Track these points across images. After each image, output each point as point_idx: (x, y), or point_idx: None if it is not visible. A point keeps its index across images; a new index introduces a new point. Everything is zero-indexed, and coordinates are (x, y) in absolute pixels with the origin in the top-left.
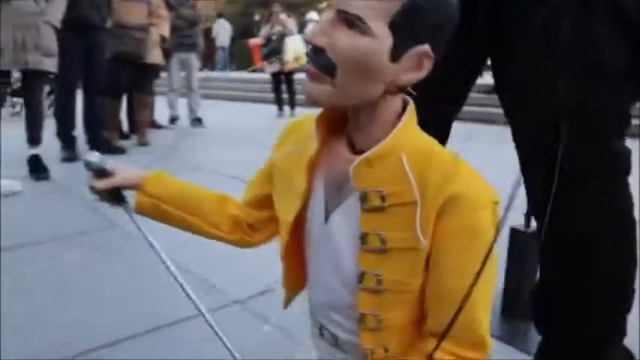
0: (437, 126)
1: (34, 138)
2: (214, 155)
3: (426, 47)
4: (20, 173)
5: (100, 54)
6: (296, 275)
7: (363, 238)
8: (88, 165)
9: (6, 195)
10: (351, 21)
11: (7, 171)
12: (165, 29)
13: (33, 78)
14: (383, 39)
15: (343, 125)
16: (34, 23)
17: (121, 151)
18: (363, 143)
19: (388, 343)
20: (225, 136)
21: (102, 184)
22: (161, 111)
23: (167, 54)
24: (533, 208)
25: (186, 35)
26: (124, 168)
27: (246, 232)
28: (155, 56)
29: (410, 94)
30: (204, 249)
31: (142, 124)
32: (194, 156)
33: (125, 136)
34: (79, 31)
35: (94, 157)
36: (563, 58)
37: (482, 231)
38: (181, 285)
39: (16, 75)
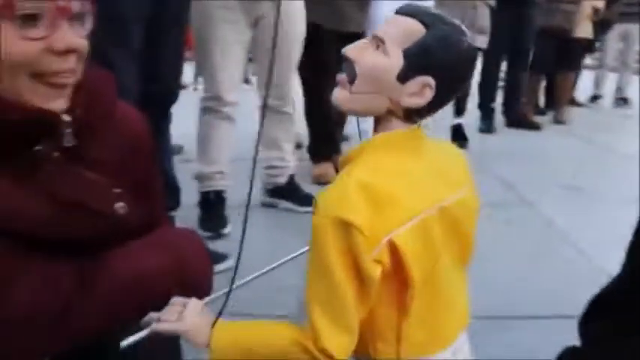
0: None
1: (460, 108)
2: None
3: (429, 79)
4: (445, 139)
5: (528, 28)
6: None
7: None
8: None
9: None
10: (377, 43)
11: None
12: (599, 1)
13: None
14: (395, 61)
15: None
16: (473, 3)
17: (535, 126)
18: None
19: None
20: None
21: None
22: (584, 87)
23: (605, 25)
24: None
25: (631, 3)
26: None
27: None
28: (584, 30)
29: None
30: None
31: (561, 100)
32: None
33: (541, 112)
34: (511, 6)
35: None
36: None
37: (316, 235)
38: None
39: None
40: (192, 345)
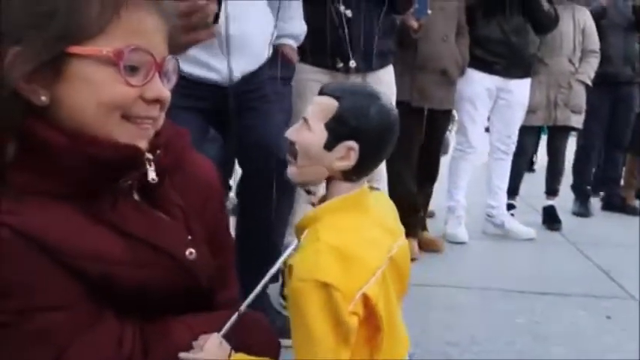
0: None
1: (553, 189)
2: None
3: (352, 142)
4: (535, 220)
5: (627, 108)
6: None
7: None
8: None
9: (521, 239)
10: (304, 123)
11: (524, 217)
12: None
13: (558, 133)
14: (319, 134)
15: None
16: (568, 82)
17: (634, 211)
18: None
19: None
20: None
21: None
22: None
23: None
24: None
25: None
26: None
27: None
28: None
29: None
30: None
31: None
32: None
33: None
34: (609, 85)
35: None
36: None
37: (296, 298)
38: None
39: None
40: None
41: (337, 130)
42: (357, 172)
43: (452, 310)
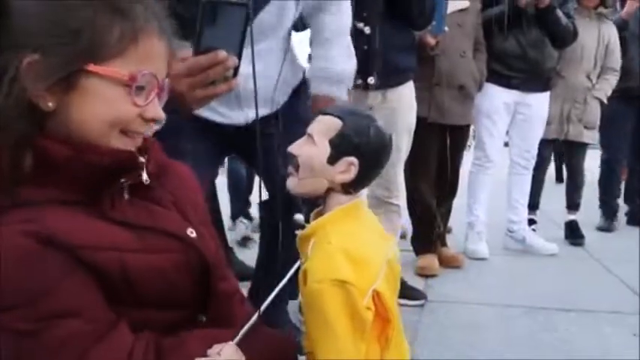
0: None
1: (574, 204)
2: None
3: (352, 158)
4: (558, 236)
5: None
6: None
7: None
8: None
9: (543, 255)
10: (309, 138)
11: (546, 233)
12: None
13: (573, 148)
14: (323, 149)
15: None
16: (584, 97)
17: None
18: None
19: None
20: None
21: None
22: None
23: None
24: None
25: None
26: None
27: None
28: None
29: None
30: None
31: None
32: None
33: None
34: (631, 99)
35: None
36: None
37: (313, 300)
38: None
39: None
40: None
41: (340, 146)
42: (355, 186)
43: (474, 328)
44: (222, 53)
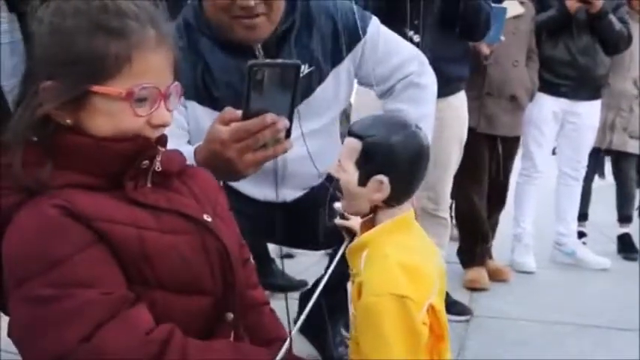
0: None
1: (626, 216)
2: None
3: (381, 176)
4: (610, 249)
5: None
6: None
7: None
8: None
9: (594, 269)
10: (339, 163)
11: (597, 246)
12: None
13: (620, 157)
14: (351, 173)
15: None
16: (629, 105)
17: None
18: None
19: None
20: None
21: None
22: None
23: None
24: None
25: None
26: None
27: None
28: None
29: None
30: None
31: None
32: None
33: None
34: None
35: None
36: None
37: (372, 313)
38: None
39: None
40: None
41: (365, 167)
42: (395, 200)
43: (522, 345)
44: (270, 116)
